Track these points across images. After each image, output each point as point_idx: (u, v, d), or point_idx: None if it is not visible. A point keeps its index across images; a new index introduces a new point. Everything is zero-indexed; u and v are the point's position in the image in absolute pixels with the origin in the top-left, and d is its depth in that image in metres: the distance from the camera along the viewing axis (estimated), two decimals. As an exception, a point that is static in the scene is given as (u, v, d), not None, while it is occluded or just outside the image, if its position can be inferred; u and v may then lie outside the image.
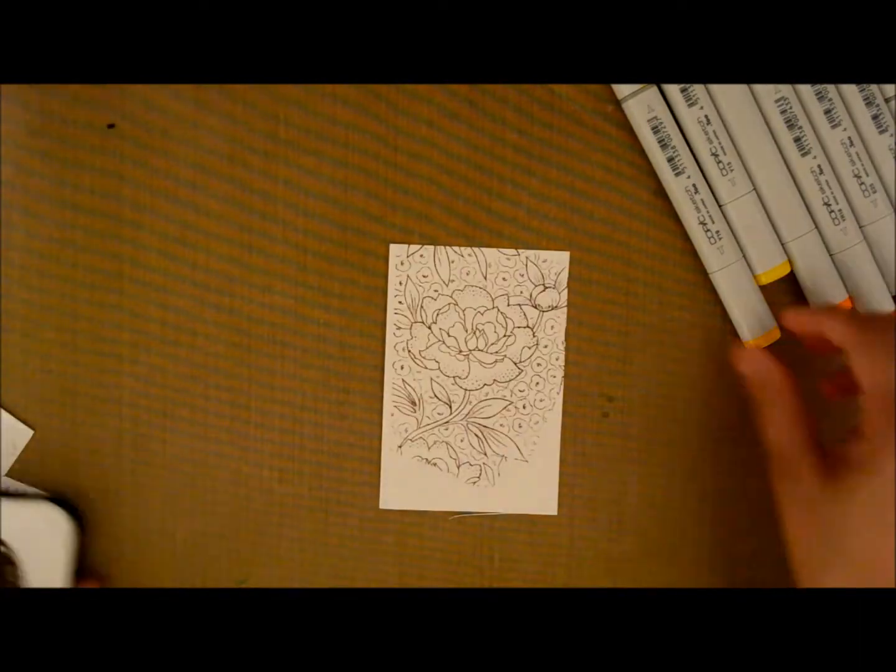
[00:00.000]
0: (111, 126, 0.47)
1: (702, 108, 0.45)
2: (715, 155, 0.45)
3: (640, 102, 0.45)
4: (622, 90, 0.46)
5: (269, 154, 0.47)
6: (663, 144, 0.45)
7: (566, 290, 0.48)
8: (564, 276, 0.48)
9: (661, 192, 0.47)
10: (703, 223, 0.46)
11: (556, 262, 0.48)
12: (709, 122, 0.45)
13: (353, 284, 0.48)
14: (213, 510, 0.49)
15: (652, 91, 0.45)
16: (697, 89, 0.45)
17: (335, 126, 0.47)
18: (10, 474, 0.48)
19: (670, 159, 0.46)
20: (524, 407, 0.48)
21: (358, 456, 0.49)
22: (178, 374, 0.48)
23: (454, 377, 0.48)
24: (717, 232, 0.46)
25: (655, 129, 0.45)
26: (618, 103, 0.47)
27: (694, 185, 0.46)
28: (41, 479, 0.48)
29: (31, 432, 0.48)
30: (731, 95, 0.45)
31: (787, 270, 0.47)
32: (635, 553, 0.49)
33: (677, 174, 0.46)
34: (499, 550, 0.49)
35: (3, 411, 0.47)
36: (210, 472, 0.48)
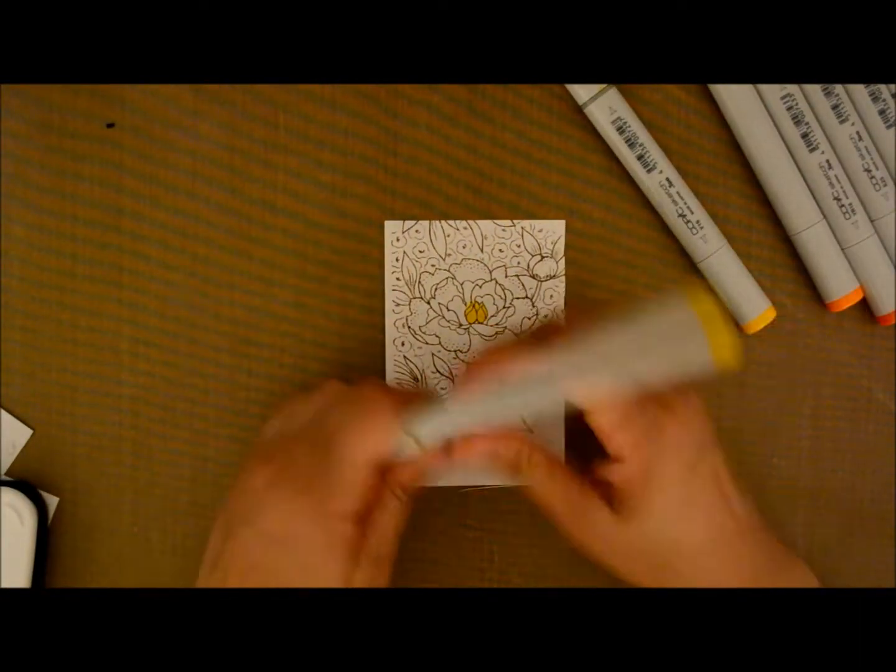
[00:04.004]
0: (111, 125, 0.46)
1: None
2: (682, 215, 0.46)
3: (600, 105, 0.45)
4: (581, 95, 0.45)
5: (269, 143, 0.46)
6: (630, 143, 0.45)
7: (563, 259, 0.47)
8: (561, 244, 0.47)
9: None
10: (682, 215, 0.46)
11: (553, 231, 0.47)
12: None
13: (351, 263, 0.47)
14: (214, 508, 0.48)
15: (612, 92, 0.45)
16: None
17: (335, 113, 0.46)
18: (9, 472, 0.47)
19: (640, 157, 0.45)
20: (526, 378, 0.48)
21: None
22: (178, 367, 0.47)
23: (455, 351, 0.48)
24: (698, 222, 0.46)
25: (620, 130, 0.45)
26: (579, 109, 0.46)
27: (668, 180, 0.45)
28: (41, 478, 0.48)
29: (30, 432, 0.47)
30: (736, 93, 0.45)
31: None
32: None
33: (649, 170, 0.45)
34: (499, 551, 0.49)
35: (2, 411, 0.47)
36: (210, 469, 0.48)
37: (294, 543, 0.38)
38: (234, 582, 0.38)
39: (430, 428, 0.39)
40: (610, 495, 0.40)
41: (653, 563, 0.40)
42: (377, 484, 0.41)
